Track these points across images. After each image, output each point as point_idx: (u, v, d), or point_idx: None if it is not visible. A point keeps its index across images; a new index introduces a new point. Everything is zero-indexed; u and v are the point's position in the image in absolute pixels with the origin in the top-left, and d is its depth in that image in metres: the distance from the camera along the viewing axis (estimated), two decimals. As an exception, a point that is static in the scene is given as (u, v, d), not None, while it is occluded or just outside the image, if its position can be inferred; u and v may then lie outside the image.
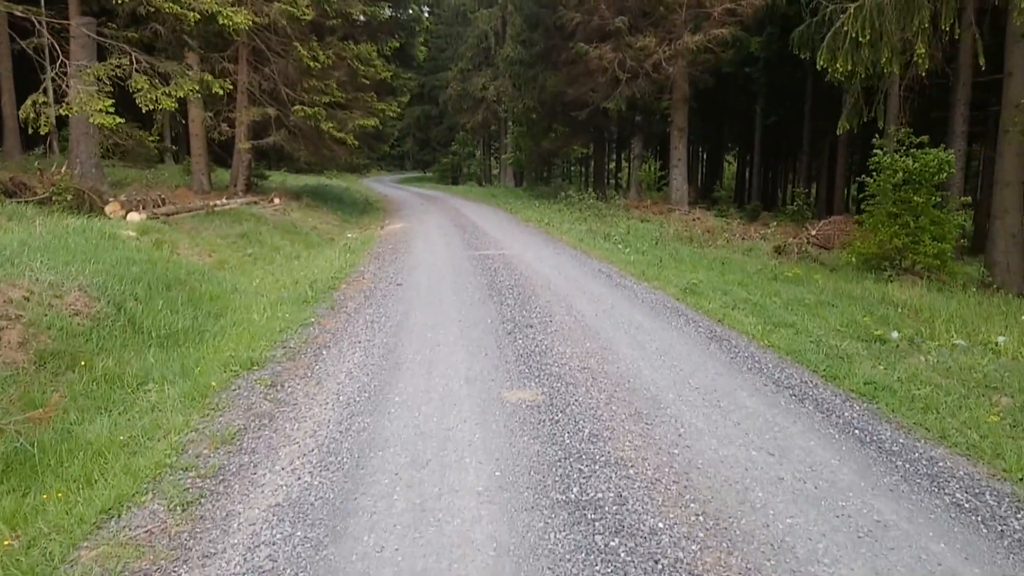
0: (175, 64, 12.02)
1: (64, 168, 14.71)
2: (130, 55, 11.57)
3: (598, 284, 9.85)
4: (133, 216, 12.27)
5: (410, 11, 23.08)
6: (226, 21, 12.15)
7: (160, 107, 11.62)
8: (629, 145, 48.03)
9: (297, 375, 6.06)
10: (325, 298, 9.33)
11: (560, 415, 4.72)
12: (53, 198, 11.56)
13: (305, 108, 17.68)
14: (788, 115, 36.68)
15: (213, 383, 5.79)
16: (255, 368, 6.24)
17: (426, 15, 45.74)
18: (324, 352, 6.72)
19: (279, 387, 5.76)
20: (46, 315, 6.28)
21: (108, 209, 12.58)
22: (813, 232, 17.54)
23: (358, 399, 5.22)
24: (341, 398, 5.28)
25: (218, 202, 15.65)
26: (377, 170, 69.14)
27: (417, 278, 10.41)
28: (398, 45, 20.96)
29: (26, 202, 12.24)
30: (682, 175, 23.84)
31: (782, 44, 31.32)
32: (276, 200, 19.55)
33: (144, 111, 11.74)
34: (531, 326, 7.12)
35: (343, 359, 6.41)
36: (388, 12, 21.47)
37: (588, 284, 9.79)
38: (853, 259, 13.21)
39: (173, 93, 11.64)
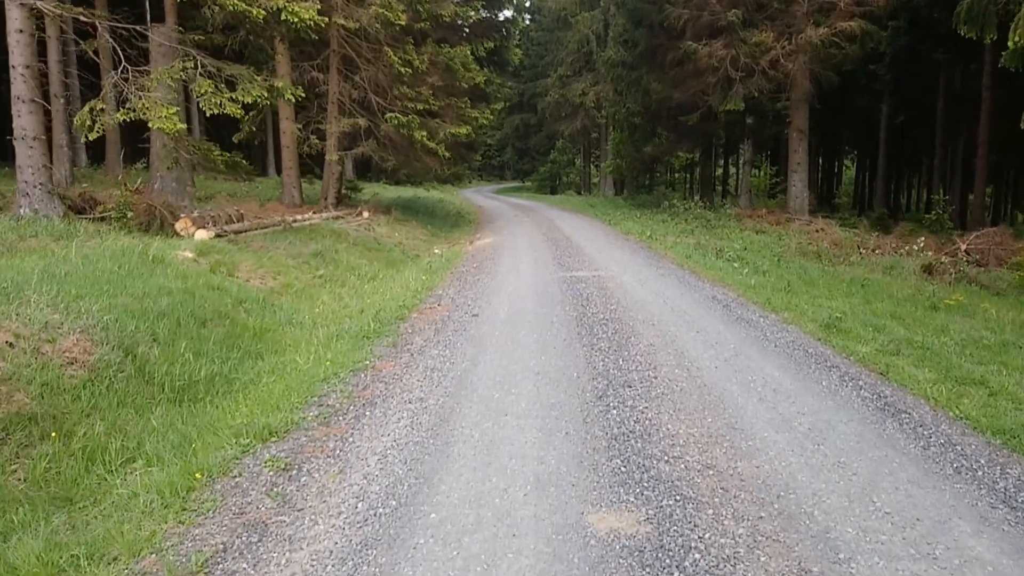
0: (243, 68, 10.96)
1: (140, 183, 14.14)
2: (194, 58, 10.58)
3: (713, 318, 7.94)
4: (200, 234, 11.30)
5: (505, 12, 21.71)
6: (290, 17, 10.98)
7: (224, 112, 10.55)
8: (737, 150, 45.11)
9: (322, 453, 4.56)
10: (390, 331, 7.90)
11: (675, 571, 2.96)
12: (112, 215, 10.71)
13: (398, 116, 16.50)
14: (916, 116, 33.08)
15: (212, 464, 4.39)
16: (273, 439, 4.80)
17: (527, 20, 44.51)
18: (365, 415, 5.21)
19: (292, 474, 4.27)
20: (30, 365, 5.04)
21: (178, 226, 11.68)
22: (964, 247, 14.86)
23: (381, 511, 3.62)
24: (360, 507, 3.70)
25: (299, 217, 14.64)
26: (477, 180, 68.62)
27: (496, 307, 8.81)
28: (492, 47, 19.55)
29: (92, 219, 11.51)
30: (802, 181, 21.31)
31: (911, 38, 28.19)
32: (364, 214, 18.51)
33: (208, 115, 10.70)
34: (629, 385, 5.35)
35: (384, 429, 4.86)
36: (482, 13, 20.12)
37: (701, 318, 7.89)
38: (1030, 283, 10.67)
39: (240, 98, 10.57)
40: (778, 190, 30.09)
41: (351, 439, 4.74)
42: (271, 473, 4.30)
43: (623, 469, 3.86)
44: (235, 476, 4.30)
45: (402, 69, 15.97)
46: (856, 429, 4.53)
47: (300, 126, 18.41)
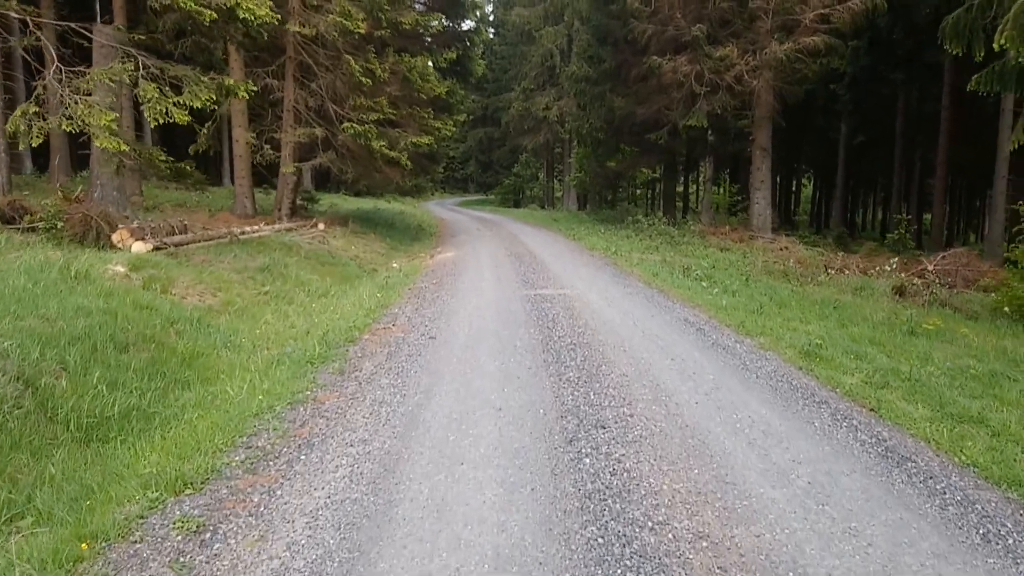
0: (188, 69, 10.12)
1: (81, 191, 13.15)
2: (135, 58, 9.71)
3: (688, 343, 7.34)
4: (137, 246, 10.40)
5: (468, 22, 21.09)
6: (247, 15, 10.19)
7: (172, 120, 9.69)
8: (697, 167, 45.13)
9: (243, 510, 3.80)
10: (337, 355, 7.14)
11: None
12: (39, 226, 9.76)
13: (355, 125, 15.72)
14: (875, 136, 33.35)
15: (109, 525, 3.62)
16: (188, 491, 4.04)
17: (491, 34, 43.99)
18: (299, 461, 4.46)
19: (205, 538, 3.52)
20: (-103, 405, 4.22)
21: (115, 238, 10.74)
22: (931, 267, 14.59)
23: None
24: (275, 593, 2.98)
25: (248, 229, 13.75)
26: (440, 193, 67.80)
27: (456, 328, 8.10)
28: (454, 57, 18.92)
29: (21, 230, 10.52)
30: (765, 199, 21.04)
31: (872, 58, 28.36)
32: (320, 226, 17.65)
33: (153, 125, 9.84)
34: (603, 426, 4.68)
35: (319, 480, 4.12)
36: (444, 22, 19.47)
37: (675, 343, 7.29)
38: (1006, 307, 10.33)
39: (187, 102, 9.72)
40: (739, 207, 29.92)
41: (279, 493, 3.99)
42: (179, 537, 3.54)
43: (600, 541, 3.18)
44: (135, 541, 3.54)
45: (362, 78, 15.23)
46: (861, 483, 3.93)
47: (254, 135, 17.53)
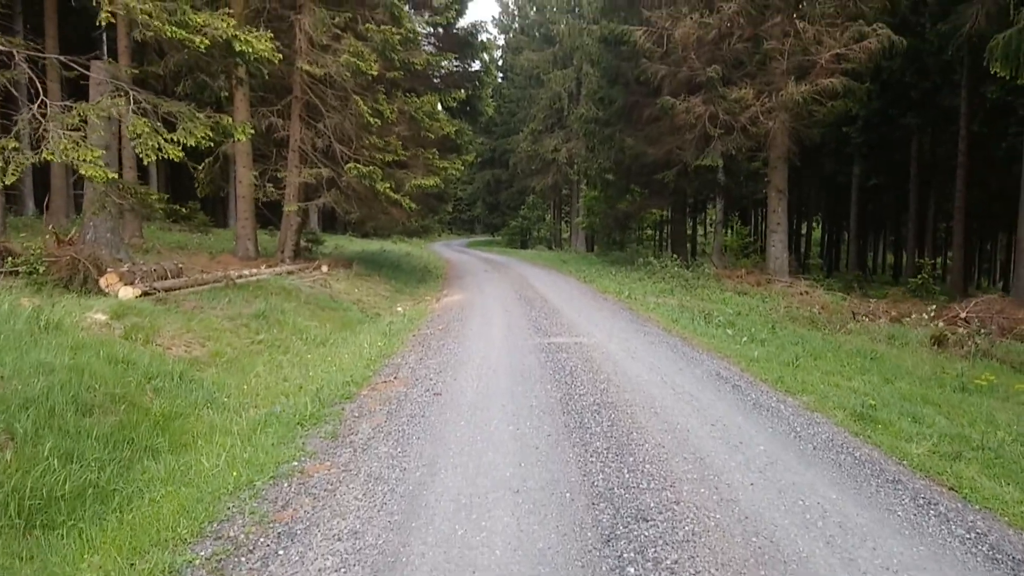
0: (184, 105, 9.51)
1: (75, 233, 12.52)
2: (127, 93, 9.11)
3: (726, 403, 6.49)
4: (125, 291, 9.68)
5: (477, 63, 20.69)
6: (244, 48, 9.60)
7: (165, 156, 9.04)
8: (705, 209, 44.58)
9: (195, 636, 2.96)
10: (331, 415, 6.33)
11: None
12: (20, 270, 9.06)
13: (359, 167, 15.12)
14: (888, 179, 32.74)
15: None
16: (131, 606, 3.20)
17: (500, 79, 43.91)
18: (276, 558, 3.63)
19: None
20: None
21: (103, 282, 10.04)
22: (963, 314, 13.76)
23: None
24: None
25: (245, 272, 13.04)
26: (447, 234, 67.44)
27: (463, 383, 7.28)
28: (464, 96, 18.41)
29: (3, 274, 9.83)
30: (782, 242, 20.29)
31: (883, 102, 27.88)
32: (323, 268, 16.96)
33: (147, 162, 9.20)
34: (645, 517, 3.83)
35: (294, 593, 3.28)
36: (455, 63, 19.03)
37: (711, 404, 6.44)
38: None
39: (181, 140, 9.09)
40: (751, 250, 29.22)
41: (243, 612, 3.15)
42: None
43: None
44: None
45: (371, 119, 14.67)
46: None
47: (256, 174, 16.95)
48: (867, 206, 36.69)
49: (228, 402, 6.70)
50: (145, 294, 9.76)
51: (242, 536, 3.94)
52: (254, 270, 13.65)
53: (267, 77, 12.44)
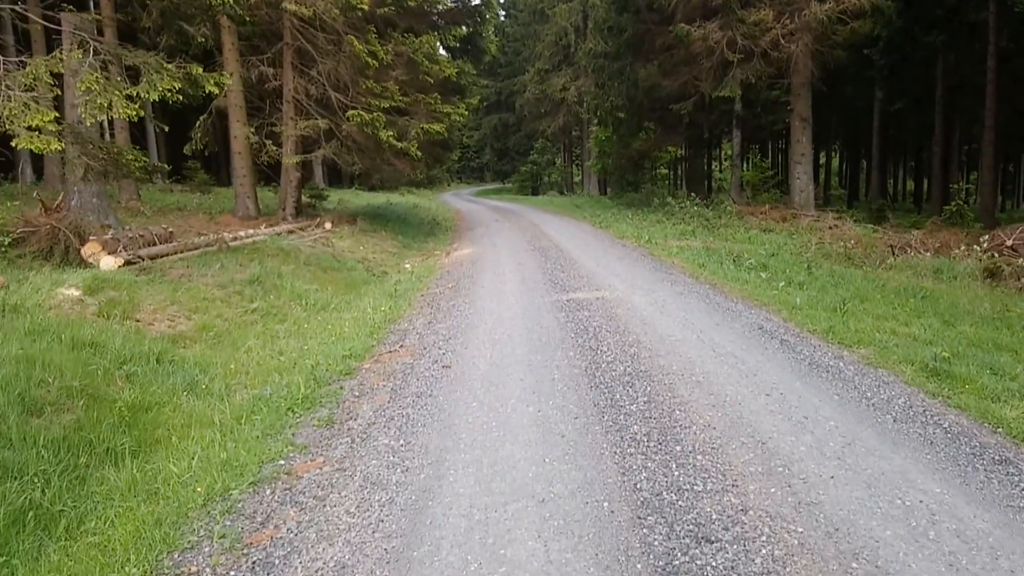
0: (149, 54, 8.48)
1: (62, 199, 11.69)
2: (84, 43, 8.10)
3: (776, 364, 5.59)
4: (107, 261, 8.86)
5: (477, -5, 19.23)
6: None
7: (118, 114, 8.06)
8: (720, 144, 42.91)
9: None
10: (328, 396, 5.54)
11: None
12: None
13: (361, 114, 14.02)
14: (912, 103, 31.00)
15: None
16: None
17: (502, 16, 42.01)
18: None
19: None
20: None
21: (85, 251, 9.22)
22: (1008, 243, 12.68)
23: None
24: None
25: (241, 233, 12.17)
26: (456, 183, 66.09)
27: (475, 351, 6.44)
28: (465, 34, 17.11)
29: (-23, 246, 9.04)
30: (807, 173, 19.12)
31: (907, 20, 26.06)
32: (327, 224, 16.06)
33: (90, 123, 8.22)
34: (709, 538, 2.98)
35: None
36: (452, 2, 17.69)
37: (761, 366, 5.54)
38: None
39: (142, 94, 8.09)
40: (771, 184, 27.89)
41: None
42: None
43: None
44: None
45: (368, 60, 13.52)
46: None
47: (252, 130, 15.91)
48: (888, 132, 34.98)
49: (212, 385, 5.91)
50: (128, 263, 8.93)
51: (208, 571, 3.16)
52: (251, 231, 12.79)
53: (248, 21, 11.35)
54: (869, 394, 4.85)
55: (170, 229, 11.23)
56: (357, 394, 5.62)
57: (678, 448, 3.89)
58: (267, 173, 20.20)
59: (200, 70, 8.68)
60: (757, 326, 6.89)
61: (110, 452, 4.51)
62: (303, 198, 19.43)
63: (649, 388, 4.95)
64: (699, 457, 3.76)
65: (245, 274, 9.58)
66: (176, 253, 10.03)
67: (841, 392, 4.88)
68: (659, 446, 3.93)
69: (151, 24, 14.46)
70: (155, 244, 10.16)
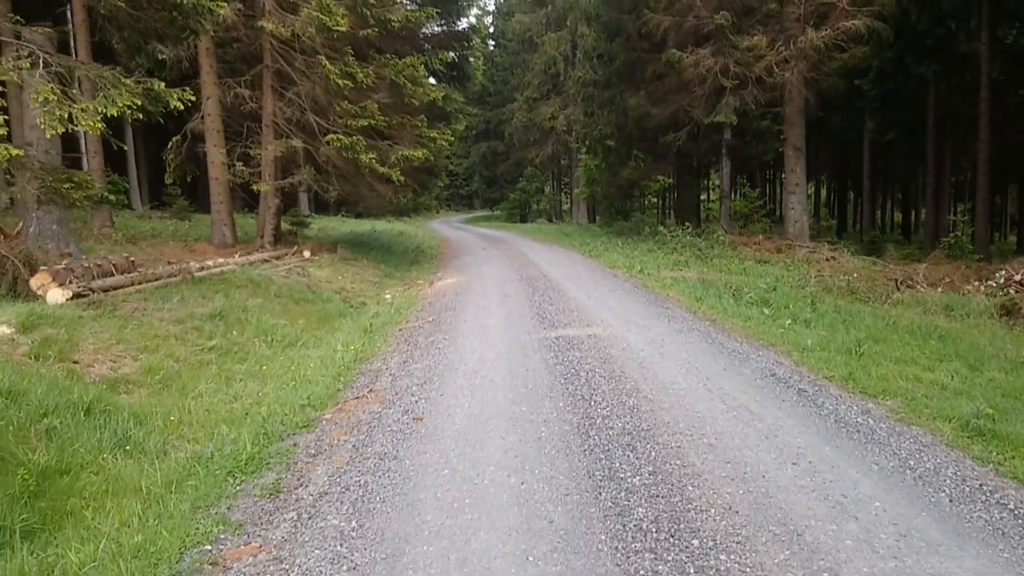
0: (104, 68, 7.74)
1: (21, 226, 10.88)
2: (32, 52, 7.36)
3: (798, 421, 4.82)
4: (54, 294, 8.01)
5: (463, 21, 18.68)
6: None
7: (76, 127, 7.31)
8: (707, 174, 42.51)
9: None
10: (278, 456, 4.74)
11: None
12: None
13: (340, 137, 13.33)
14: (903, 134, 30.73)
15: None
16: None
17: (491, 46, 41.70)
18: None
19: None
20: None
21: (34, 283, 8.37)
22: (1017, 277, 12.06)
23: None
24: None
25: (209, 262, 11.35)
26: (445, 211, 65.46)
27: (451, 400, 5.63)
28: (452, 59, 16.51)
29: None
30: (801, 204, 18.55)
31: (898, 50, 25.83)
32: (305, 253, 15.28)
33: (49, 135, 7.46)
34: None
35: None
36: (437, 23, 17.10)
37: (780, 424, 4.75)
38: None
39: (99, 109, 7.35)
40: (761, 213, 27.35)
41: None
42: None
43: None
44: None
45: (340, 82, 12.85)
46: None
47: (225, 151, 15.18)
48: (876, 162, 34.69)
49: (146, 441, 5.08)
50: (78, 296, 8.09)
51: None
52: (221, 260, 11.97)
53: (221, 34, 10.63)
54: (912, 462, 4.08)
55: (132, 258, 10.39)
56: (313, 452, 4.81)
57: (695, 543, 3.09)
58: (248, 201, 19.44)
59: (162, 85, 7.94)
60: (768, 372, 6.14)
61: (3, 532, 3.67)
62: (284, 225, 18.67)
63: (654, 453, 4.16)
64: (722, 557, 2.97)
65: (207, 308, 8.75)
66: (134, 284, 9.19)
67: (879, 460, 4.11)
68: (671, 539, 3.13)
69: (123, 44, 13.76)
70: (112, 275, 9.32)
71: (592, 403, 5.24)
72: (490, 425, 4.91)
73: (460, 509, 3.60)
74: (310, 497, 4.07)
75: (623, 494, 3.61)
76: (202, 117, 15.34)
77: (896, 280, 12.40)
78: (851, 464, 4.02)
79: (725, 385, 5.65)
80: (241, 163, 14.61)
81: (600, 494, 3.62)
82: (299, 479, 4.35)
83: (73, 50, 13.80)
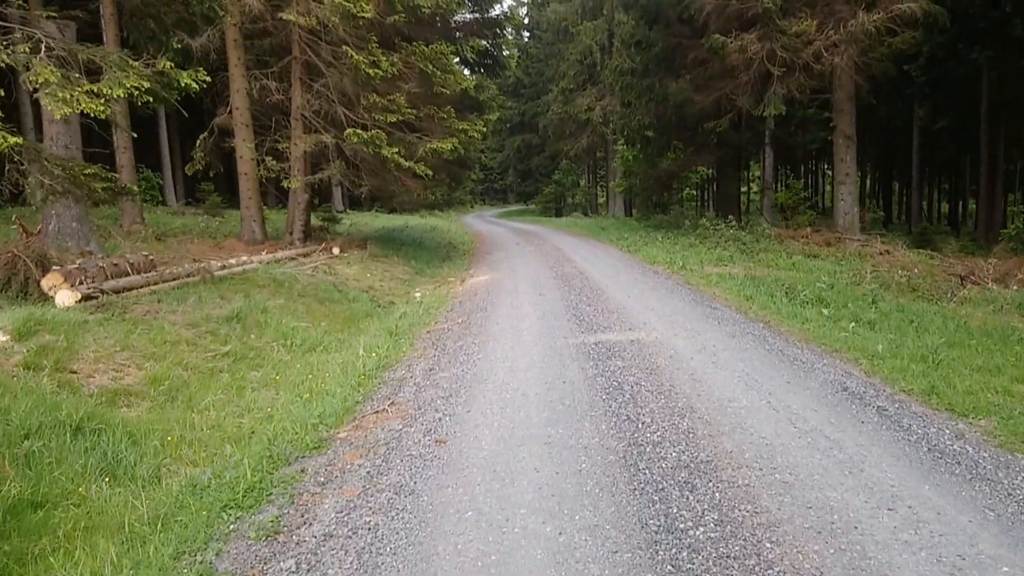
0: (107, 49, 7.26)
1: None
2: (34, 38, 6.90)
3: (885, 450, 4.05)
4: (63, 296, 7.58)
5: (496, 8, 17.96)
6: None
7: (83, 111, 6.83)
8: (748, 165, 41.17)
9: None
10: (282, 485, 4.15)
11: None
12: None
13: (359, 132, 12.78)
14: (952, 121, 29.22)
15: None
16: None
17: (526, 37, 40.92)
18: None
19: None
20: None
21: (45, 283, 7.95)
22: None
23: None
24: None
25: (232, 261, 10.88)
26: (480, 205, 64.91)
27: (479, 419, 4.99)
28: (484, 47, 15.82)
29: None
30: (851, 195, 17.49)
31: (950, 35, 24.43)
32: (335, 250, 14.78)
33: (59, 116, 6.95)
34: None
35: None
36: (468, 9, 16.43)
37: (863, 454, 4.00)
38: None
39: (103, 92, 6.85)
40: (805, 205, 26.17)
41: None
42: None
43: None
44: None
45: (369, 71, 12.28)
46: None
47: (250, 146, 14.74)
48: (925, 151, 33.14)
49: (139, 465, 4.54)
50: (88, 298, 7.64)
51: None
52: (244, 257, 11.50)
53: (249, 25, 10.14)
54: (1018, 496, 3.32)
55: (151, 256, 9.96)
56: (322, 480, 4.21)
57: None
58: (280, 197, 19.06)
59: (171, 66, 7.42)
60: (839, 385, 5.36)
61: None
62: (315, 221, 18.24)
63: (718, 495, 3.45)
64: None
65: (224, 310, 8.25)
66: (149, 285, 8.73)
67: (992, 504, 3.35)
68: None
69: (148, 35, 13.38)
70: (128, 275, 8.87)
71: (640, 425, 4.54)
72: (522, 452, 4.25)
73: (484, 568, 2.94)
74: (312, 540, 3.47)
75: (685, 553, 2.92)
76: (230, 111, 14.94)
77: (959, 276, 11.40)
78: (960, 510, 3.27)
79: (792, 402, 4.90)
80: (271, 157, 14.14)
81: (657, 553, 2.93)
82: (303, 516, 3.75)
83: (105, 44, 13.49)
